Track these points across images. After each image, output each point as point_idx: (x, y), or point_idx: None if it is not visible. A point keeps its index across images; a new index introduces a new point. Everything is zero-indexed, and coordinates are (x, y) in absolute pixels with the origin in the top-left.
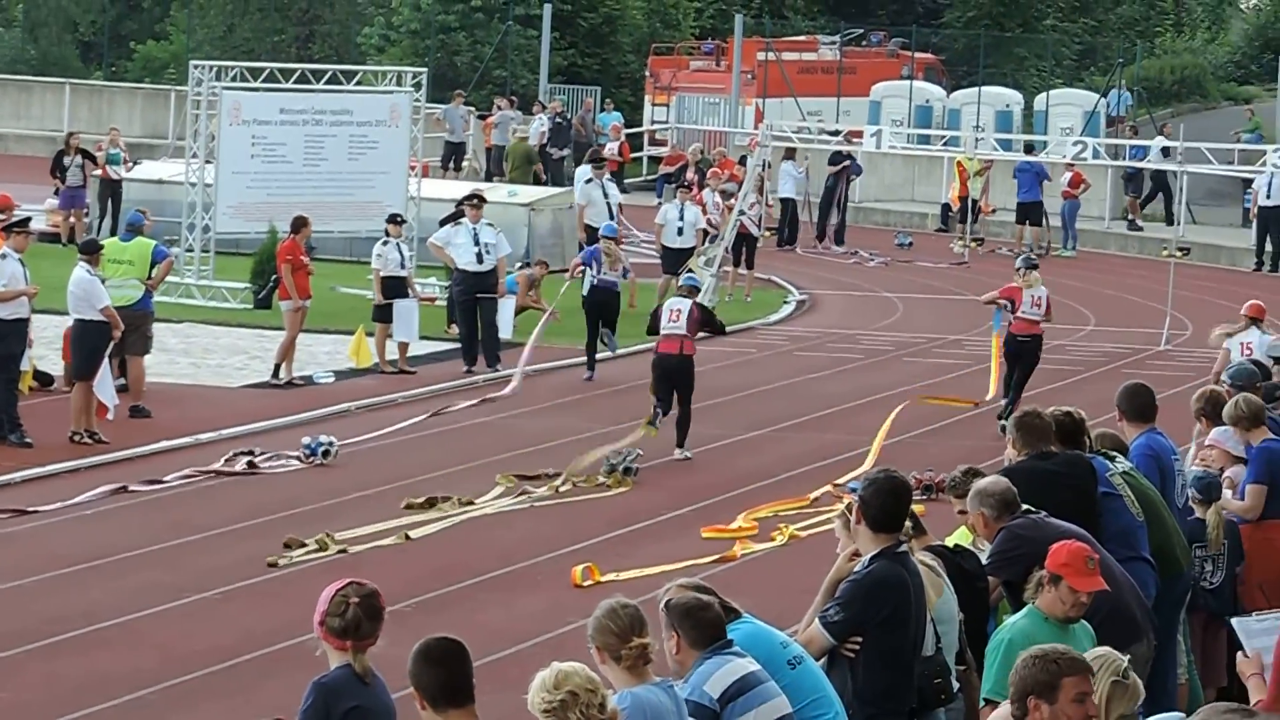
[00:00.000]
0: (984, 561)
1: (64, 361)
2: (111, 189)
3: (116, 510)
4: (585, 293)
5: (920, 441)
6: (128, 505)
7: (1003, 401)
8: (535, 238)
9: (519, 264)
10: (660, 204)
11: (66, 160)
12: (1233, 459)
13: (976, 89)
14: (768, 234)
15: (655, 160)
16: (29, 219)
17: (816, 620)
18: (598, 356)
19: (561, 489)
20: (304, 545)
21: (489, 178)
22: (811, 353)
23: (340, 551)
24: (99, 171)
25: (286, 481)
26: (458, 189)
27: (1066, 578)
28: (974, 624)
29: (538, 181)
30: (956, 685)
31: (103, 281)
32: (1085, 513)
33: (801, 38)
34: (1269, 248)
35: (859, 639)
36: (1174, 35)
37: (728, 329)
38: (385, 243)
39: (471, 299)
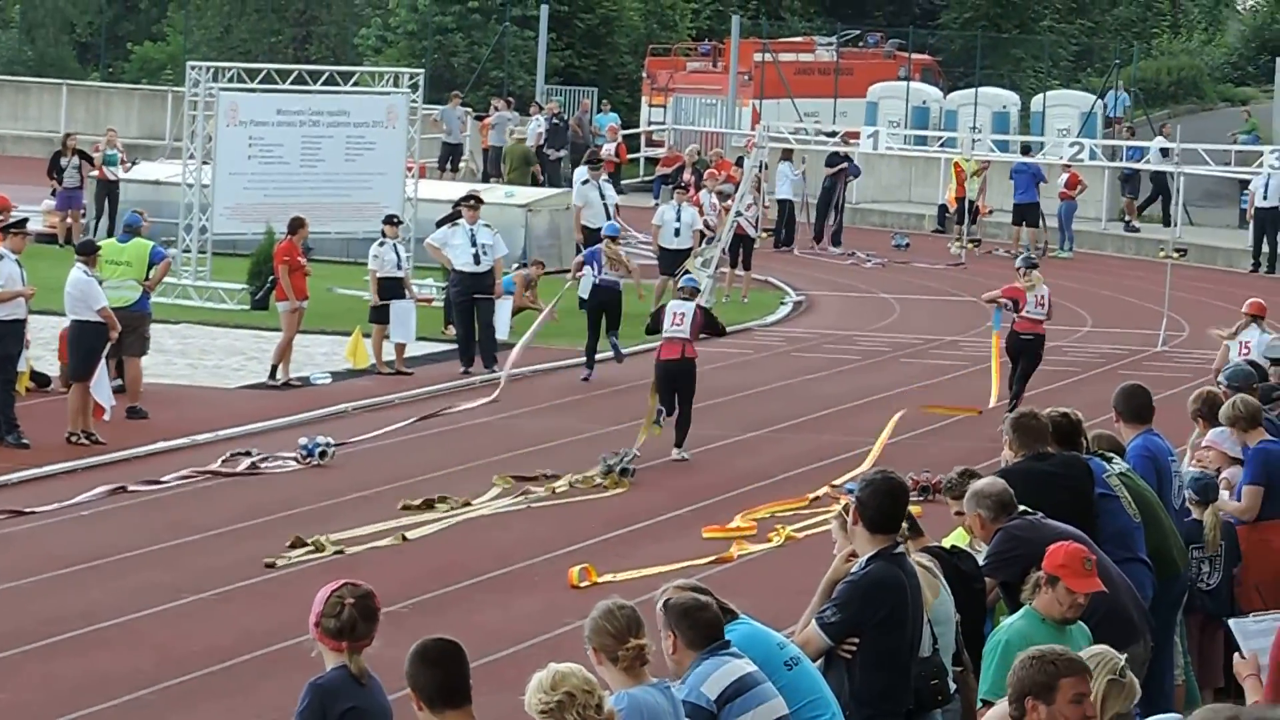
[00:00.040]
0: (981, 563)
1: (60, 362)
2: (108, 190)
3: (114, 511)
4: (584, 295)
5: (917, 443)
6: (125, 506)
7: (1006, 401)
8: (532, 239)
9: (516, 265)
10: (657, 205)
11: (63, 161)
12: (1230, 460)
13: (973, 90)
14: (765, 235)
15: (652, 161)
16: (26, 220)
17: (813, 621)
18: (597, 357)
19: (559, 490)
20: (306, 545)
21: (486, 179)
22: (808, 354)
23: (338, 552)
24: (96, 172)
25: (284, 482)
26: (455, 190)
27: (1064, 579)
28: (971, 625)
29: (535, 183)
30: (953, 686)
31: (100, 283)
32: (1082, 514)
33: (798, 39)
34: (1266, 249)
35: (856, 640)
36: (1171, 36)
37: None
38: (381, 244)
39: (469, 300)
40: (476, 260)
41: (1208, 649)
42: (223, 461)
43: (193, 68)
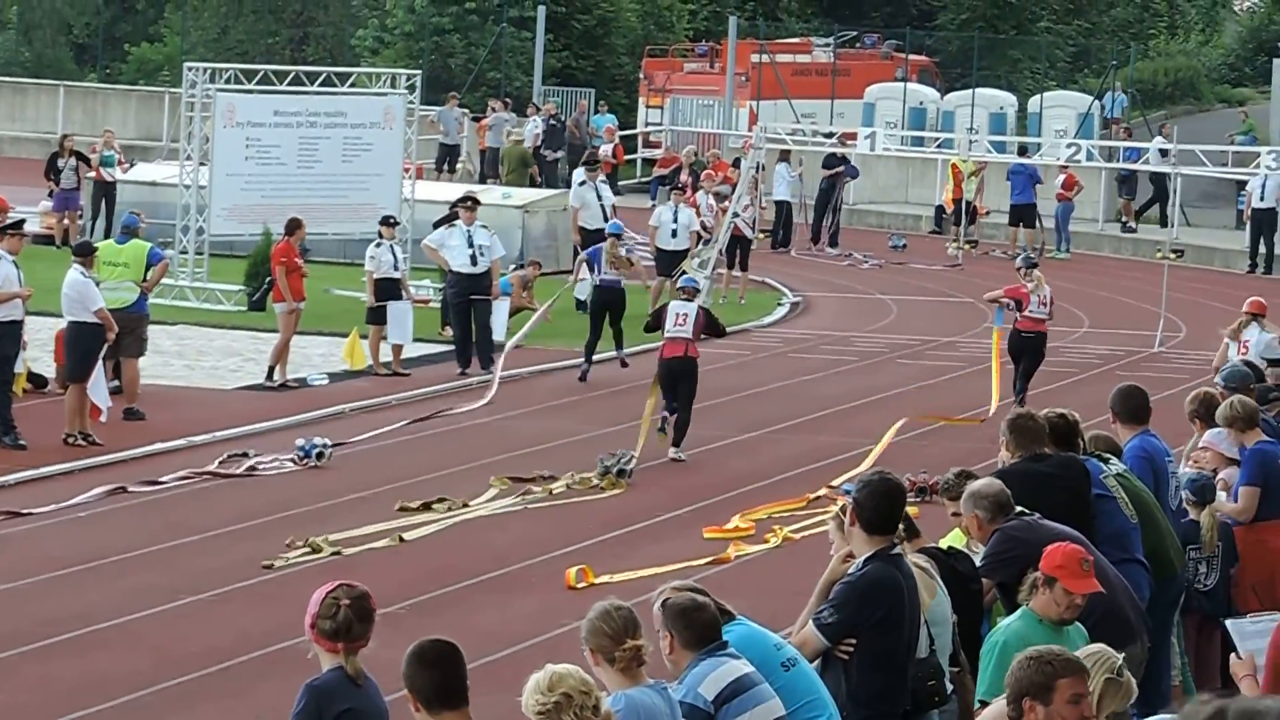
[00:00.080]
0: (978, 563)
1: (56, 364)
2: (105, 191)
3: (111, 512)
4: (580, 296)
5: (915, 444)
6: (122, 507)
7: (1011, 400)
8: (529, 240)
9: (513, 266)
10: (654, 206)
11: (61, 162)
12: (1227, 461)
13: (970, 91)
14: (762, 236)
15: (649, 162)
16: (23, 221)
17: (811, 622)
18: (595, 357)
19: (556, 491)
20: (305, 545)
21: (483, 180)
22: (806, 355)
23: (335, 553)
24: (93, 174)
25: (280, 483)
26: (452, 191)
27: (1061, 580)
28: (968, 626)
29: (533, 184)
30: (950, 687)
31: (97, 284)
32: (1079, 515)
33: (795, 40)
34: (1263, 249)
35: (853, 641)
36: (1168, 38)
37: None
38: (378, 245)
39: (466, 301)
40: (473, 261)
41: (1205, 649)
42: (220, 462)
43: (190, 69)
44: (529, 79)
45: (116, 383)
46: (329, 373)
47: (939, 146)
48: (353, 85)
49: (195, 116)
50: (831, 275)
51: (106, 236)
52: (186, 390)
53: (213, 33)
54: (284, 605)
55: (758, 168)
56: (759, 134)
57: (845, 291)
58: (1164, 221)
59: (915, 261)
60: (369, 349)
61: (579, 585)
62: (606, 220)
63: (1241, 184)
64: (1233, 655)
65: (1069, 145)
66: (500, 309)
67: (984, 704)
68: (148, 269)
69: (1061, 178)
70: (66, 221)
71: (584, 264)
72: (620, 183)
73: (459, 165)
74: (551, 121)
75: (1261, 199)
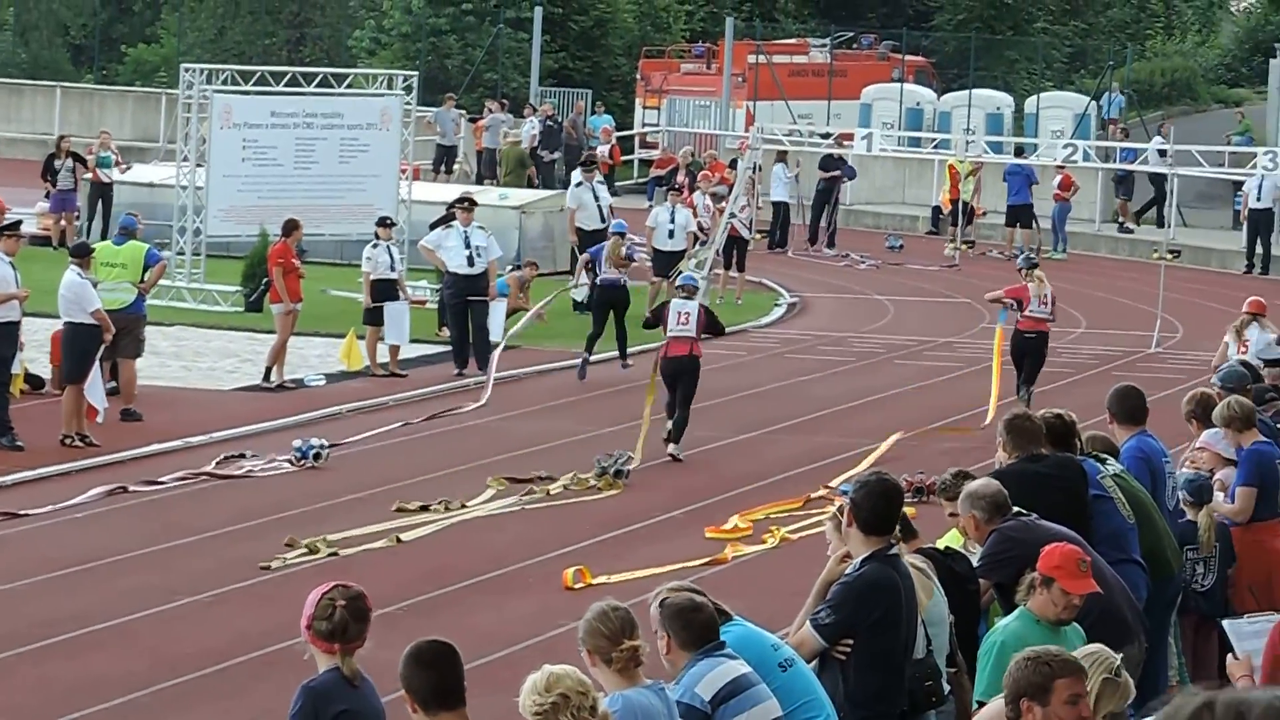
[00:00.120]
0: (975, 564)
1: (51, 365)
2: (102, 192)
3: (108, 513)
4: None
5: (912, 444)
6: (119, 508)
7: (1010, 400)
8: (526, 241)
9: (510, 267)
10: (651, 207)
11: (57, 163)
12: (1224, 461)
13: (967, 92)
14: (759, 237)
15: (646, 163)
16: (19, 222)
17: (808, 623)
18: (595, 358)
19: (553, 492)
20: (302, 546)
21: (480, 181)
22: (803, 355)
23: (332, 554)
24: (90, 175)
25: (277, 484)
26: (448, 192)
27: (1059, 580)
28: (965, 626)
29: (531, 185)
30: (947, 688)
31: (94, 285)
32: (1076, 515)
33: (792, 40)
34: (1259, 250)
35: (850, 641)
36: (1164, 38)
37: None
38: (375, 245)
39: (462, 302)
40: (470, 262)
41: (1202, 650)
42: (217, 463)
43: (186, 70)
44: (526, 80)
45: (113, 384)
46: (326, 374)
47: (936, 147)
48: (349, 86)
49: (192, 117)
50: (829, 276)
51: (103, 238)
52: (183, 391)
53: (209, 34)
54: (281, 606)
55: (754, 168)
56: (756, 135)
57: (842, 292)
58: (1161, 222)
59: (912, 262)
60: (366, 350)
61: (576, 586)
62: (603, 221)
63: (1238, 184)
64: (1229, 655)
65: (1066, 146)
66: (497, 310)
67: (981, 704)
68: (145, 270)
69: (1058, 178)
70: (63, 223)
71: (586, 265)
72: (617, 183)
73: (456, 166)
74: (548, 122)
75: (1258, 199)
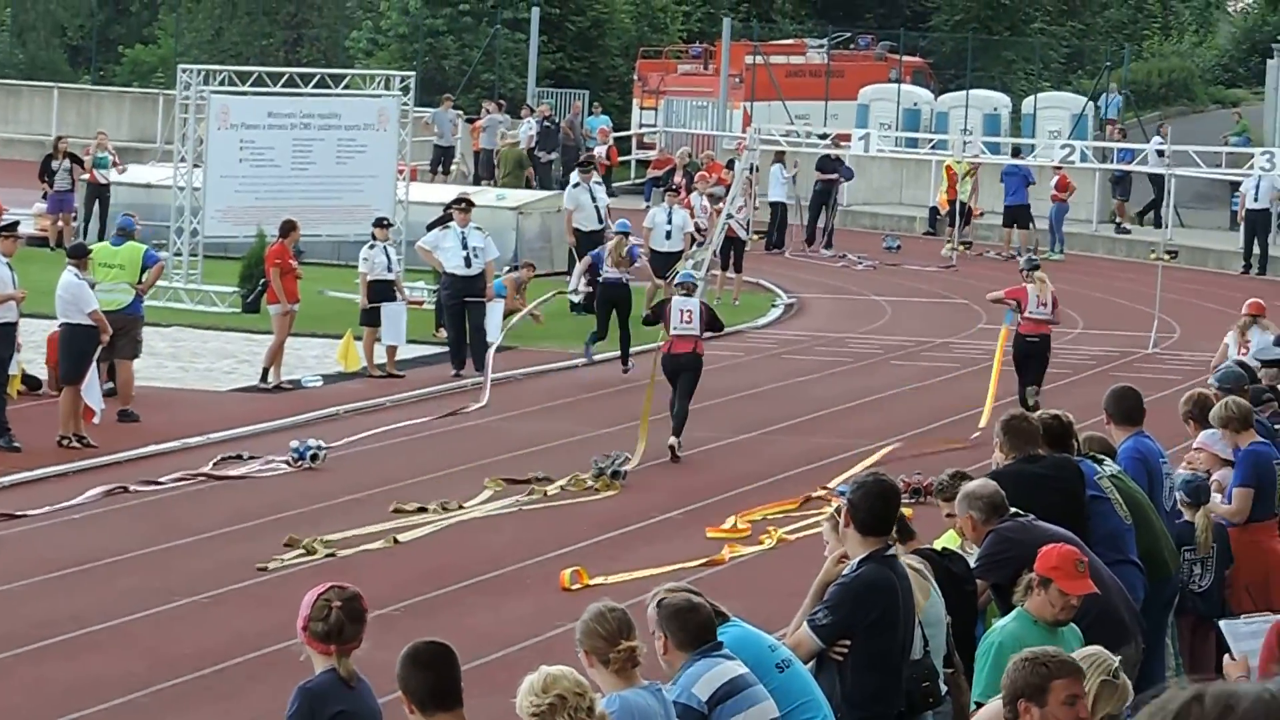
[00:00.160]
0: (972, 564)
1: (49, 366)
2: (99, 193)
3: (105, 514)
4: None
5: (910, 444)
6: (116, 509)
7: (1008, 400)
8: (523, 241)
9: (507, 268)
10: (648, 208)
11: (54, 164)
12: (1221, 462)
13: (964, 92)
14: (756, 237)
15: (643, 164)
16: (17, 223)
17: (805, 623)
18: (595, 357)
19: (550, 493)
20: (301, 546)
21: (477, 181)
22: (800, 356)
23: (329, 555)
24: (87, 176)
25: (274, 485)
26: (446, 193)
27: (1056, 581)
28: (962, 627)
29: (529, 186)
30: (945, 688)
31: (92, 286)
32: (1073, 516)
33: (789, 41)
34: (1256, 250)
35: (847, 642)
36: (1162, 39)
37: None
38: (372, 246)
39: (460, 303)
40: (467, 263)
41: (1199, 650)
42: (214, 464)
43: (184, 70)
44: (523, 80)
45: (111, 385)
46: (323, 374)
47: (933, 148)
48: (347, 87)
49: (189, 118)
50: (826, 276)
51: (100, 238)
52: (181, 392)
53: (207, 35)
54: (278, 607)
55: (752, 169)
56: (753, 135)
57: (840, 293)
58: (1158, 222)
59: (909, 263)
60: (363, 351)
61: (573, 587)
62: (601, 222)
63: (1235, 185)
64: (1227, 656)
65: (1063, 146)
66: (494, 311)
67: (979, 705)
68: (143, 271)
69: (1055, 179)
70: (60, 223)
71: (588, 269)
72: (614, 184)
73: (453, 167)
74: (546, 123)
75: (1255, 200)
